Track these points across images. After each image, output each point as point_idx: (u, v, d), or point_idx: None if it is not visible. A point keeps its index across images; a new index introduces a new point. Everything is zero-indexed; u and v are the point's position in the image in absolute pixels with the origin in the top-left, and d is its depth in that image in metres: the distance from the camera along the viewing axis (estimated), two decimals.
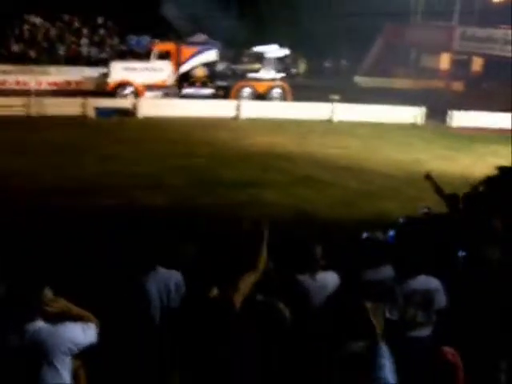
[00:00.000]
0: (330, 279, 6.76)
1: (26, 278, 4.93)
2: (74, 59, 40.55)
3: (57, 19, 43.51)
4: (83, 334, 4.78)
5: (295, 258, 6.91)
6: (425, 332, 6.57)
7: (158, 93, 29.73)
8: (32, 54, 40.67)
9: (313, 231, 12.18)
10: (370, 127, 26.73)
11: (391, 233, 8.70)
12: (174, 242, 7.40)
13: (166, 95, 29.73)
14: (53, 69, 37.11)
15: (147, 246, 6.78)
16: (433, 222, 9.17)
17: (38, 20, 43.04)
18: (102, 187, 15.72)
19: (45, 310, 4.73)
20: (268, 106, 29.34)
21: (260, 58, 31.64)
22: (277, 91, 31.00)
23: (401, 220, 9.51)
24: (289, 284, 6.55)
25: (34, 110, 25.87)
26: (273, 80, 31.21)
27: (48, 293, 4.94)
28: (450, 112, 29.18)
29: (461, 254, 7.63)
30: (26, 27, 42.32)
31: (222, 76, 30.89)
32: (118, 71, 29.87)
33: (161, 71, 30.01)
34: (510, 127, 26.51)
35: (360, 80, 45.44)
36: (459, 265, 7.58)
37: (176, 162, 18.82)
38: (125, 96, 29.04)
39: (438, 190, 10.13)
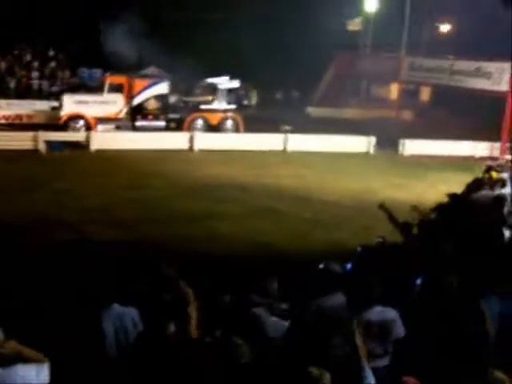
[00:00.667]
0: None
1: None
2: (25, 92, 40.15)
3: (7, 52, 43.12)
4: (36, 375, 4.68)
5: (252, 293, 6.90)
6: (382, 362, 6.58)
7: (111, 126, 29.54)
8: None
9: (269, 263, 12.18)
10: (323, 157, 26.96)
11: (349, 265, 8.73)
12: (129, 278, 7.31)
13: (119, 128, 29.56)
14: (3, 102, 36.65)
15: (102, 282, 6.69)
16: (388, 251, 9.25)
17: None
18: (54, 222, 15.50)
19: None
20: (221, 137, 29.41)
21: (212, 89, 31.74)
22: (229, 123, 31.05)
23: (358, 249, 9.56)
24: (245, 318, 6.52)
25: None
26: (225, 111, 31.30)
27: (0, 335, 4.84)
28: (400, 141, 29.66)
29: (418, 281, 7.69)
30: None
31: (174, 108, 30.87)
32: (70, 104, 29.64)
33: (113, 104, 29.86)
34: (459, 154, 27.09)
35: (311, 110, 45.89)
36: (416, 293, 7.63)
37: (129, 194, 18.69)
38: (77, 129, 28.82)
39: (392, 218, 10.26)
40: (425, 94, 48.78)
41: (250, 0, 46.84)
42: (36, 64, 43.14)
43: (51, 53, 44.38)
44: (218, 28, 46.69)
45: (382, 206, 10.23)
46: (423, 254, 8.60)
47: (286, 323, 6.49)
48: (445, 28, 48.52)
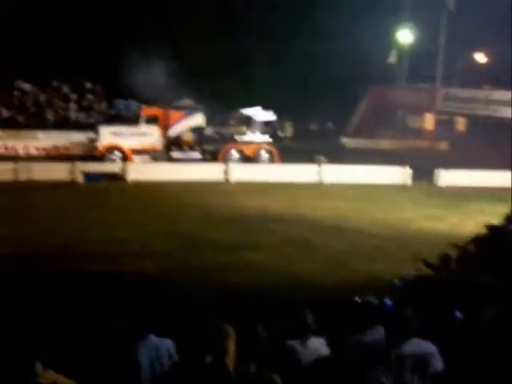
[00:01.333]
0: (320, 345, 6.69)
1: (19, 354, 4.88)
2: (63, 124, 40.84)
3: (46, 85, 43.98)
4: None
5: (287, 324, 6.84)
6: None
7: (146, 157, 29.86)
8: (21, 119, 40.94)
9: (304, 294, 12.11)
10: (358, 188, 26.86)
11: (388, 301, 8.60)
12: (166, 309, 7.32)
13: (154, 159, 29.87)
14: (41, 134, 37.32)
15: (138, 313, 6.70)
16: (426, 283, 9.13)
17: (27, 86, 43.49)
18: (89, 253, 15.58)
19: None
20: (257, 168, 29.47)
21: (247, 120, 31.94)
22: (264, 154, 31.18)
23: (396, 281, 9.45)
24: (279, 351, 6.47)
25: (23, 175, 25.86)
26: (260, 143, 31.42)
27: (39, 366, 4.87)
28: (436, 171, 29.42)
29: (457, 314, 7.57)
30: (15, 93, 42.71)
31: (209, 139, 31.11)
32: (107, 136, 30.09)
33: (149, 135, 30.22)
34: (495, 185, 26.75)
35: (346, 141, 45.90)
36: (456, 326, 7.50)
37: (165, 226, 18.76)
38: (113, 160, 29.17)
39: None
40: (460, 124, 48.50)
41: (286, 33, 47.22)
42: (74, 96, 43.94)
43: (88, 85, 45.16)
44: (254, 60, 47.14)
45: (426, 264, 9.97)
46: (462, 287, 8.47)
47: (322, 356, 6.42)
48: (480, 58, 48.25)
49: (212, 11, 47.44)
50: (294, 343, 6.54)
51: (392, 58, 49.26)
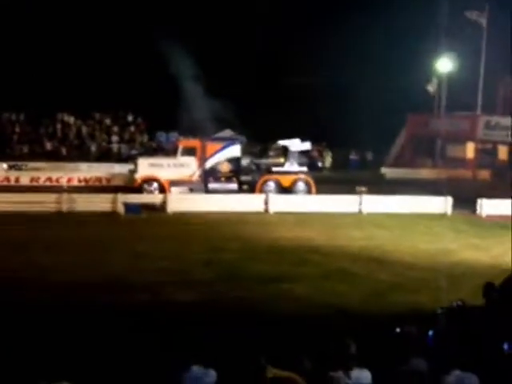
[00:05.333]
0: (364, 376, 6.70)
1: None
2: (105, 156, 41.53)
3: (88, 117, 44.83)
4: None
5: (330, 356, 6.86)
6: None
7: (184, 188, 30.08)
8: (64, 151, 41.76)
9: (346, 325, 12.07)
10: (398, 218, 26.71)
11: (430, 332, 8.52)
12: (210, 341, 7.39)
13: (191, 190, 30.07)
14: (83, 165, 37.99)
15: (182, 344, 6.79)
16: (470, 315, 9.01)
17: (70, 118, 44.39)
18: (131, 284, 15.77)
19: None
20: (296, 199, 29.46)
21: (284, 151, 32.03)
22: (301, 184, 31.10)
23: (438, 311, 9.35)
24: (325, 381, 6.49)
25: (65, 206, 26.29)
26: (297, 173, 31.42)
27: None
28: (478, 201, 29.08)
29: (506, 347, 7.46)
30: (58, 126, 43.60)
31: (246, 170, 31.24)
32: (145, 167, 30.46)
33: (186, 167, 30.48)
34: None
35: (386, 171, 45.73)
36: (504, 358, 7.40)
37: (205, 256, 18.88)
38: (150, 192, 29.51)
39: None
40: (502, 153, 47.90)
41: (326, 64, 47.53)
42: (116, 128, 44.68)
43: (130, 117, 45.91)
44: (294, 91, 47.54)
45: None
46: (509, 318, 8.34)
47: None
48: None
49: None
50: (337, 374, 6.56)
51: (431, 87, 49.10)
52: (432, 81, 49.00)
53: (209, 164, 30.72)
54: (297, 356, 6.50)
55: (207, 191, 30.05)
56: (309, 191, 30.93)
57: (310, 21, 50.84)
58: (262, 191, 29.97)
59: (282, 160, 31.82)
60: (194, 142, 31.09)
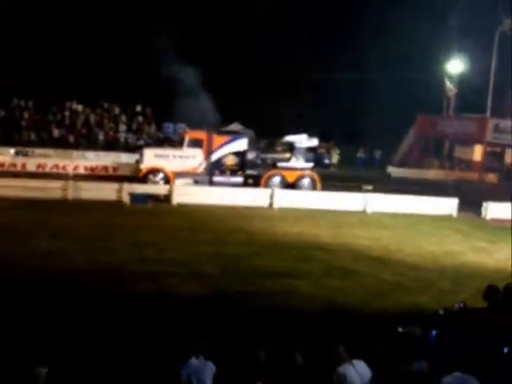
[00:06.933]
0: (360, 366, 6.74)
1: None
2: (112, 145, 41.53)
3: (97, 106, 44.82)
4: None
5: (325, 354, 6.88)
6: None
7: (189, 180, 30.02)
8: (71, 139, 41.77)
9: (347, 323, 12.07)
10: (404, 218, 26.66)
11: (433, 332, 8.47)
12: (210, 332, 7.38)
13: (196, 182, 30.01)
14: (91, 154, 38.00)
15: (182, 336, 6.78)
16: (472, 317, 8.96)
17: (78, 107, 44.39)
18: (135, 273, 15.77)
19: None
20: (301, 195, 29.43)
21: (290, 147, 31.97)
22: (306, 180, 31.06)
23: (440, 312, 9.30)
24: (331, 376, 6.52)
25: (71, 194, 26.29)
26: (302, 169, 31.37)
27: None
28: (484, 204, 28.99)
29: (505, 350, 7.42)
30: (66, 113, 43.59)
31: (252, 164, 31.17)
32: (150, 158, 30.40)
33: (192, 159, 30.40)
34: None
35: (393, 170, 45.67)
36: (505, 362, 7.36)
37: (210, 249, 18.86)
38: (156, 182, 29.51)
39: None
40: (510, 157, 47.78)
41: (335, 62, 47.51)
42: (124, 118, 44.66)
43: (138, 107, 45.88)
44: (306, 87, 47.55)
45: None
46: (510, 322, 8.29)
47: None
48: None
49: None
50: (344, 368, 6.61)
51: (449, 89, 48.90)
52: (448, 83, 48.82)
53: (215, 157, 30.66)
54: (289, 351, 6.51)
55: (212, 184, 30.00)
56: (314, 187, 30.89)
57: (322, 15, 50.80)
58: (266, 186, 29.94)
59: (287, 155, 31.78)
60: (200, 134, 31.01)
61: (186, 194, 27.87)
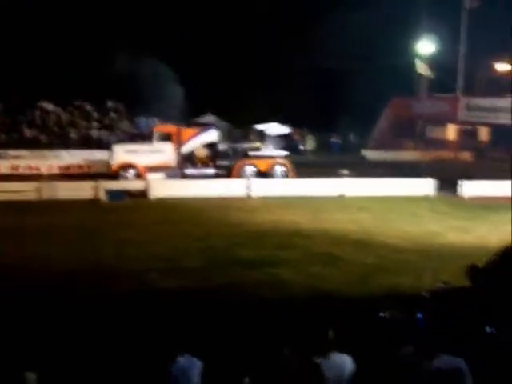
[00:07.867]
0: (343, 361, 6.68)
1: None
2: (85, 143, 41.20)
3: (68, 104, 44.43)
4: None
5: (310, 341, 6.82)
6: None
7: (161, 174, 29.88)
8: (44, 138, 41.36)
9: (330, 309, 12.05)
10: (381, 201, 26.72)
11: (419, 315, 8.46)
12: (195, 328, 7.31)
13: (169, 176, 29.86)
14: (64, 153, 37.64)
15: (166, 333, 6.70)
16: (456, 297, 8.97)
17: (49, 106, 43.95)
18: (117, 271, 15.62)
19: None
20: (278, 183, 29.40)
21: (260, 135, 31.91)
22: (279, 169, 31.01)
23: (425, 294, 9.30)
24: (306, 367, 6.46)
25: (46, 194, 26.02)
26: (274, 157, 31.31)
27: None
28: (460, 182, 29.14)
29: (488, 330, 7.44)
30: (38, 113, 43.16)
31: (223, 155, 31.09)
32: (121, 154, 30.29)
33: (162, 153, 30.32)
34: None
35: (368, 154, 45.78)
36: (487, 342, 7.38)
37: (190, 243, 18.77)
38: (127, 178, 29.37)
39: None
40: (483, 134, 48.14)
41: (307, 48, 47.51)
42: (96, 115, 44.32)
43: (110, 104, 45.54)
44: (277, 75, 47.49)
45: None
46: (493, 302, 8.31)
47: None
48: (501, 67, 47.88)
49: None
50: (319, 359, 6.54)
51: (422, 70, 48.95)
52: (419, 63, 48.91)
53: (185, 149, 30.53)
54: (276, 342, 6.46)
55: (184, 177, 29.89)
56: (287, 175, 30.82)
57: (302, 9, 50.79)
58: (238, 176, 29.86)
59: (258, 144, 31.69)
60: (169, 128, 30.92)
61: (164, 188, 27.73)
